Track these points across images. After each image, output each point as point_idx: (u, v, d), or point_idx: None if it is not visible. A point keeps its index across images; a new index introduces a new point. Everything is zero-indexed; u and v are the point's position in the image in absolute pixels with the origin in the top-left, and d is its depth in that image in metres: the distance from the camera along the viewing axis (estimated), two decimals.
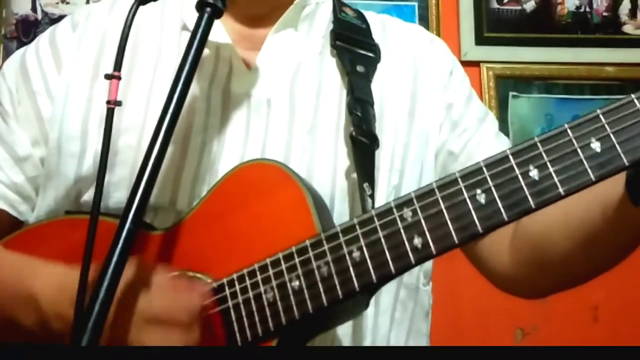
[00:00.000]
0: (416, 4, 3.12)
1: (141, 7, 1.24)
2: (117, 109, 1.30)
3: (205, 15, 1.16)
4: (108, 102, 1.17)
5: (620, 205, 1.14)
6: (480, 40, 3.12)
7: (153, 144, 1.08)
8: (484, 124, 1.50)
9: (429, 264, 1.47)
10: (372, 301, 1.28)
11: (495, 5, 3.17)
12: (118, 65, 1.18)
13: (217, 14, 1.18)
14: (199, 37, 1.15)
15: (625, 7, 3.22)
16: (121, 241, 1.02)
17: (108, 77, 1.18)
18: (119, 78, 1.18)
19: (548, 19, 3.19)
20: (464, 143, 1.46)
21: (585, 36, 3.19)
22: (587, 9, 3.21)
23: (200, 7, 1.17)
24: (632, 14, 3.22)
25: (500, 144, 1.45)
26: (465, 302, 2.85)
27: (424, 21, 3.08)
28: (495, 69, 3.09)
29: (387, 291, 1.38)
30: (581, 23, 3.20)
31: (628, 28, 3.21)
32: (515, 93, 3.11)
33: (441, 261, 1.48)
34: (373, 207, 1.21)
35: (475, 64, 3.06)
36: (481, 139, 1.46)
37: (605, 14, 3.21)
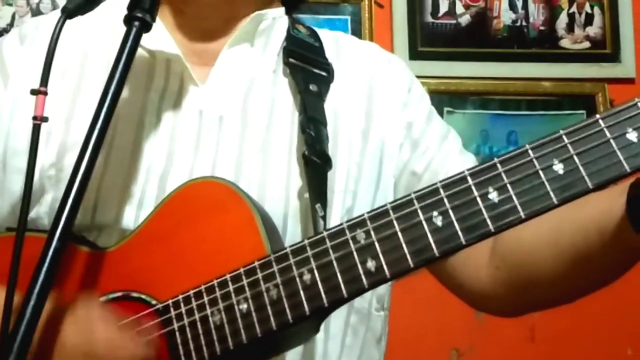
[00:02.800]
0: (349, 17, 3.16)
1: (91, 20, 1.24)
2: (65, 123, 1.31)
3: (134, 30, 1.16)
4: (34, 118, 1.15)
5: (620, 230, 1.13)
6: (414, 54, 3.16)
7: (81, 158, 1.07)
8: (447, 142, 1.51)
9: (382, 288, 1.46)
10: (322, 326, 1.27)
11: (429, 19, 3.21)
12: (44, 80, 1.16)
13: (145, 27, 1.18)
14: (127, 53, 1.15)
15: (562, 21, 3.28)
16: (48, 259, 1.00)
17: (34, 92, 1.16)
18: (45, 93, 1.16)
19: (483, 33, 3.24)
20: (427, 162, 1.47)
21: (522, 51, 3.24)
22: (524, 23, 3.26)
23: (128, 21, 1.17)
24: (569, 28, 3.28)
25: (465, 161, 1.47)
26: (398, 321, 2.88)
27: (357, 35, 3.04)
28: (430, 84, 3.09)
29: (338, 316, 1.37)
30: (517, 37, 3.25)
31: (565, 42, 3.27)
32: (450, 109, 3.15)
33: None
34: (325, 228, 1.19)
35: None
36: (444, 157, 1.48)
37: (541, 28, 3.27)
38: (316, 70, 1.46)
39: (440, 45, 3.21)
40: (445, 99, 3.16)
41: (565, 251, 1.25)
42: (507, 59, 3.24)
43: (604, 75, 3.25)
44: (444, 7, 3.24)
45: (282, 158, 1.37)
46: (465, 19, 3.25)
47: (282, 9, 1.53)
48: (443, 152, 1.49)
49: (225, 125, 1.38)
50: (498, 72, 3.22)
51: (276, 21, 1.50)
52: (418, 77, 3.04)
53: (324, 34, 1.57)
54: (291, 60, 1.46)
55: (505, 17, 3.27)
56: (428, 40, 3.21)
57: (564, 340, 3.07)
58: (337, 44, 1.56)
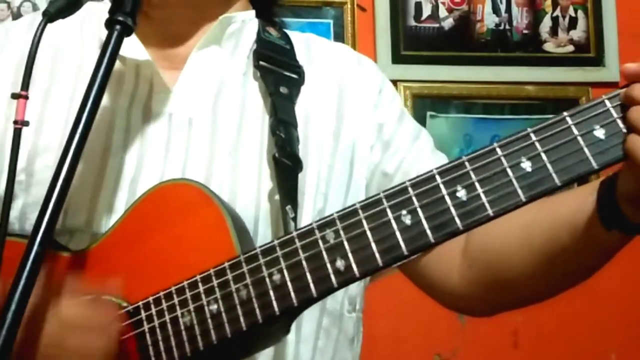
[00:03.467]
0: (331, 21, 3.16)
1: (60, 24, 1.24)
2: (35, 128, 1.32)
3: (115, 33, 1.17)
4: (15, 122, 1.16)
5: (591, 228, 1.15)
6: (397, 58, 3.17)
7: (62, 164, 1.08)
8: (418, 142, 1.52)
9: (354, 290, 1.47)
10: (294, 328, 1.29)
11: (412, 22, 3.21)
12: (25, 84, 1.17)
13: (127, 31, 1.19)
14: (108, 56, 1.15)
15: (546, 24, 3.29)
16: (29, 264, 1.01)
17: (15, 96, 1.17)
18: (25, 97, 1.17)
19: (467, 37, 3.25)
20: (398, 163, 1.48)
21: (505, 54, 3.26)
22: (507, 27, 3.27)
23: (109, 24, 1.18)
24: (553, 32, 3.29)
25: (436, 161, 1.46)
26: (380, 327, 2.88)
27: (340, 39, 3.10)
28: (413, 88, 3.13)
29: (310, 318, 1.38)
30: (501, 41, 3.26)
31: (549, 46, 3.28)
32: (433, 113, 3.15)
33: None
34: (296, 229, 1.20)
35: (392, 83, 2.98)
36: (416, 157, 1.48)
37: (525, 31, 3.28)
38: (287, 73, 1.47)
39: (423, 49, 3.22)
40: (428, 103, 3.17)
41: (536, 250, 1.26)
42: (491, 62, 3.25)
43: (588, 79, 3.26)
44: (426, 11, 3.24)
45: (252, 161, 1.38)
46: (448, 23, 3.26)
47: (252, 12, 1.55)
48: (414, 152, 1.50)
49: (195, 128, 1.40)
50: (481, 76, 3.23)
51: (246, 24, 1.51)
52: (401, 81, 3.11)
53: (295, 36, 1.58)
54: (261, 63, 1.47)
55: (488, 20, 3.28)
56: (411, 44, 3.21)
57: (547, 345, 3.09)
58: (308, 46, 1.57)
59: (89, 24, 1.49)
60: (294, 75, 1.48)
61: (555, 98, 3.25)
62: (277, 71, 1.47)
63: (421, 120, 3.12)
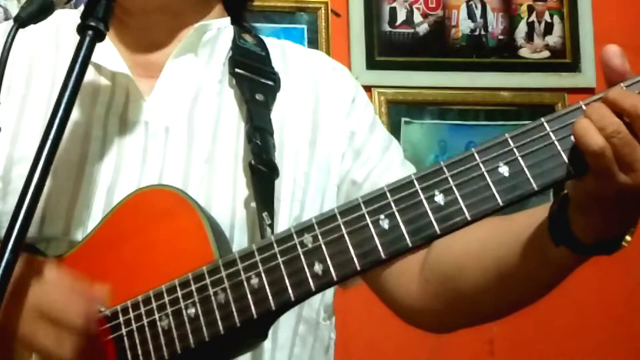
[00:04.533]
0: (305, 27, 3.18)
1: (36, 33, 1.26)
2: (11, 137, 1.33)
3: (87, 39, 1.19)
4: None
5: (541, 244, 1.17)
6: (372, 64, 3.18)
7: (33, 171, 1.10)
8: (388, 153, 1.53)
9: (329, 297, 1.50)
10: (270, 335, 1.29)
11: (387, 28, 3.23)
12: None
13: (99, 37, 1.21)
14: (80, 62, 1.17)
15: (521, 30, 3.32)
16: (0, 270, 1.03)
17: None
18: None
19: (442, 43, 3.27)
20: (368, 172, 1.49)
21: (481, 60, 3.28)
22: (482, 32, 3.29)
23: (81, 30, 1.20)
24: (529, 38, 3.32)
25: (405, 173, 1.42)
26: (356, 334, 2.88)
27: (314, 44, 3.13)
28: (387, 94, 3.15)
29: (286, 326, 1.40)
30: (476, 46, 3.29)
31: (524, 52, 3.31)
32: (407, 119, 3.17)
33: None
34: (274, 235, 1.21)
35: (367, 88, 2.95)
36: (385, 168, 1.50)
37: (501, 37, 3.31)
38: (262, 80, 1.49)
39: (398, 54, 3.24)
40: (403, 108, 3.19)
41: (490, 264, 1.29)
42: (466, 68, 3.28)
43: (564, 85, 3.29)
44: (401, 16, 3.26)
45: (228, 168, 1.40)
46: (423, 28, 3.28)
47: (227, 19, 1.56)
48: (384, 163, 1.52)
49: (172, 136, 1.41)
50: (456, 82, 3.25)
51: (221, 31, 1.53)
52: (375, 86, 3.12)
53: (271, 43, 1.59)
54: (237, 70, 1.48)
55: (463, 26, 3.30)
56: (385, 50, 3.23)
57: (524, 353, 3.12)
58: (283, 52, 1.58)
59: (65, 32, 1.50)
60: (269, 82, 1.49)
61: (530, 104, 3.27)
62: (253, 78, 1.48)
63: (396, 126, 3.15)
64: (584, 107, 1.05)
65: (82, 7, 1.45)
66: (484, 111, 3.26)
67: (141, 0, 1.45)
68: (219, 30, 1.53)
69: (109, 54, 1.41)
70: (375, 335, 2.84)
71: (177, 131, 1.42)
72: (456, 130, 3.21)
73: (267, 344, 1.36)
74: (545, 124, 1.06)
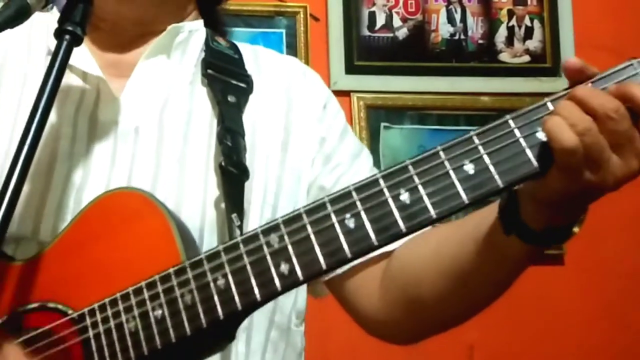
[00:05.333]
0: (284, 31, 3.18)
1: (8, 34, 1.24)
2: None
3: (64, 43, 1.20)
4: None
5: (492, 236, 1.19)
6: (351, 69, 3.20)
7: (11, 172, 1.11)
8: (358, 160, 1.55)
9: (301, 303, 1.51)
10: (244, 341, 1.34)
11: (366, 32, 3.24)
12: None
13: (76, 41, 1.22)
14: (58, 66, 1.18)
15: (501, 34, 3.34)
16: None
17: None
18: None
19: (421, 47, 3.28)
20: (336, 178, 1.50)
21: (460, 65, 3.29)
22: (462, 37, 3.31)
23: (58, 34, 1.21)
24: (509, 42, 3.33)
25: None
26: (335, 341, 2.92)
27: (292, 49, 3.14)
28: (366, 99, 3.16)
29: (259, 331, 1.41)
30: (456, 51, 3.30)
31: (504, 56, 3.33)
32: (387, 124, 3.18)
33: (310, 301, 1.51)
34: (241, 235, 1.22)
35: (346, 93, 3.13)
36: (354, 175, 1.49)
37: (480, 41, 3.32)
38: (235, 82, 1.49)
39: (377, 59, 3.25)
40: (382, 114, 3.20)
41: (446, 266, 1.30)
42: (445, 73, 3.29)
43: (544, 89, 3.23)
44: (380, 21, 3.27)
45: (199, 169, 1.40)
46: (402, 33, 3.29)
47: (200, 22, 1.57)
48: (353, 170, 1.52)
49: (142, 137, 1.41)
50: (436, 87, 3.26)
51: (193, 33, 1.53)
52: (354, 91, 3.13)
53: (244, 47, 1.60)
54: (209, 71, 1.49)
55: (443, 30, 3.31)
56: (364, 54, 3.24)
57: (504, 359, 3.13)
58: (256, 56, 1.59)
59: (37, 34, 1.50)
60: (242, 84, 1.50)
61: (511, 109, 3.11)
62: (226, 80, 1.49)
63: (375, 131, 3.17)
64: (549, 104, 1.07)
65: (55, 10, 1.47)
66: (464, 116, 3.26)
67: (114, 13, 1.46)
68: (191, 32, 1.53)
69: (80, 53, 1.41)
70: (355, 343, 2.84)
71: (147, 132, 1.42)
72: (436, 135, 3.21)
73: (240, 348, 1.37)
74: (510, 121, 1.08)
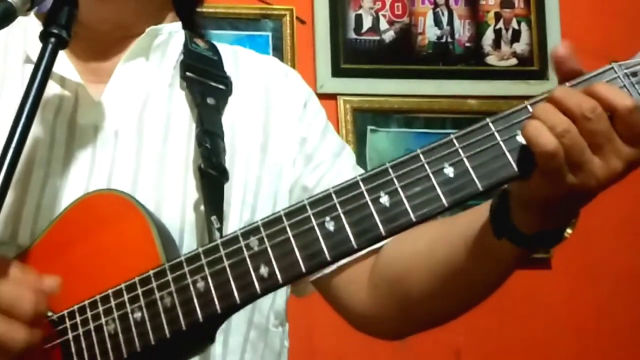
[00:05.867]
0: (270, 34, 3.18)
1: None
2: None
3: (49, 46, 1.20)
4: None
5: (483, 238, 1.20)
6: (337, 72, 3.20)
7: None
8: (340, 159, 1.55)
9: (280, 304, 1.51)
10: (221, 341, 1.34)
11: (352, 35, 3.24)
12: None
13: (61, 44, 1.22)
14: (43, 69, 1.18)
15: (488, 37, 3.33)
16: None
17: None
18: None
19: (408, 50, 3.28)
20: (319, 178, 1.51)
21: (447, 68, 3.29)
22: (449, 40, 3.30)
23: (44, 37, 1.21)
24: (496, 45, 3.33)
25: None
26: (321, 343, 2.92)
27: (279, 52, 3.14)
28: (353, 102, 3.16)
29: (237, 331, 1.41)
30: (443, 54, 3.29)
31: (492, 59, 3.32)
32: (373, 127, 3.18)
33: (296, 301, 1.52)
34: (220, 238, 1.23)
35: (332, 96, 3.13)
36: (337, 174, 1.50)
37: (467, 44, 3.32)
38: (214, 84, 1.50)
39: (364, 62, 3.25)
40: (369, 117, 3.20)
41: (437, 264, 1.31)
42: (432, 76, 3.28)
43: (532, 92, 3.19)
44: (367, 23, 3.27)
45: (178, 172, 1.41)
46: (389, 35, 3.29)
47: (178, 24, 1.58)
48: (336, 169, 1.53)
49: (121, 140, 1.42)
50: (423, 90, 3.26)
51: (172, 36, 1.54)
52: (341, 94, 3.12)
53: (223, 48, 1.61)
54: (188, 74, 1.49)
55: (430, 33, 3.31)
56: (351, 57, 3.24)
57: None
58: (235, 57, 1.59)
59: (13, 38, 1.50)
60: (221, 86, 1.51)
61: (498, 112, 3.24)
62: (204, 82, 1.49)
63: (362, 134, 3.17)
64: (529, 107, 1.07)
65: (33, 14, 1.47)
66: (451, 119, 3.26)
67: (94, 14, 1.46)
68: (170, 34, 1.54)
69: (58, 59, 1.40)
70: (340, 342, 2.84)
71: (127, 135, 1.42)
72: (422, 139, 3.18)
73: (218, 349, 1.37)
74: (491, 124, 1.09)
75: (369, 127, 3.19)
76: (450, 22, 3.33)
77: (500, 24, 3.36)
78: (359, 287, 1.44)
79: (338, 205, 1.11)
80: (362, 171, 1.50)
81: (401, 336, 1.47)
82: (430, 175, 1.08)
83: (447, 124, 3.25)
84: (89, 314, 1.22)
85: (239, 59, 1.60)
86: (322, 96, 1.69)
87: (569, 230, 1.15)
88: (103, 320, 1.21)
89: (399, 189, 1.09)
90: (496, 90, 3.31)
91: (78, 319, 1.23)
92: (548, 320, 3.16)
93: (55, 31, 1.22)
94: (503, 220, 1.15)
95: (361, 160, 3.04)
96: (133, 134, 1.43)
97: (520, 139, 1.06)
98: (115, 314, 1.20)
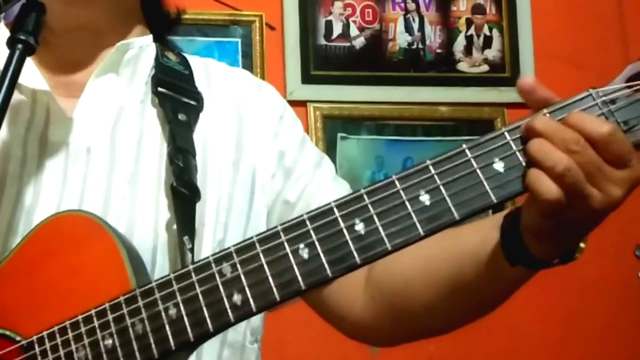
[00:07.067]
0: (239, 40, 3.16)
1: None
2: None
3: (17, 52, 1.19)
4: None
5: (495, 263, 1.18)
6: (307, 78, 3.19)
7: None
8: (320, 170, 1.54)
9: (257, 320, 1.49)
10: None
11: (322, 41, 3.24)
12: None
13: (29, 50, 1.21)
14: (10, 75, 1.18)
15: (460, 43, 3.34)
16: None
17: None
18: None
19: (379, 57, 3.28)
20: (300, 191, 1.50)
21: (418, 74, 3.29)
22: (420, 46, 3.30)
23: (11, 43, 1.20)
24: (468, 51, 3.34)
25: (338, 189, 1.50)
26: (291, 355, 2.87)
27: (248, 58, 3.13)
28: (323, 109, 3.16)
29: (210, 350, 1.40)
30: (414, 60, 3.30)
31: (463, 66, 3.33)
32: (344, 134, 3.18)
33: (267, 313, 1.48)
34: (193, 261, 1.21)
35: (302, 103, 3.12)
36: (318, 186, 1.50)
37: (439, 50, 3.32)
38: (185, 99, 1.48)
39: (334, 68, 3.25)
40: (339, 124, 3.20)
41: (439, 280, 1.30)
42: (403, 82, 3.29)
43: (503, 99, 3.30)
44: (337, 30, 3.27)
45: (150, 190, 1.39)
46: (359, 42, 3.28)
47: (149, 37, 1.56)
48: (316, 180, 1.52)
49: (93, 157, 1.41)
50: (393, 97, 3.26)
51: (143, 50, 1.52)
52: (311, 101, 3.12)
53: (194, 61, 1.59)
54: (160, 89, 1.47)
55: (401, 39, 3.31)
56: (321, 64, 3.24)
57: None
58: (207, 71, 1.58)
59: None
60: (192, 102, 1.49)
61: (469, 119, 3.29)
62: (176, 97, 1.48)
63: (332, 141, 3.17)
64: (506, 134, 1.06)
65: (1, 23, 1.46)
66: (422, 126, 3.26)
67: (62, 17, 1.44)
68: (140, 48, 1.52)
69: (29, 72, 1.40)
70: (313, 354, 2.84)
71: (99, 152, 1.41)
72: (393, 146, 3.22)
73: None
74: (467, 151, 1.07)
75: (339, 134, 3.19)
76: (421, 28, 3.33)
77: (472, 30, 3.37)
78: (353, 297, 1.43)
79: (312, 232, 1.10)
80: (344, 182, 1.54)
81: (397, 344, 1.46)
82: (406, 202, 1.06)
83: (418, 131, 3.25)
84: (58, 340, 1.20)
85: (210, 73, 1.59)
86: (292, 103, 1.69)
87: (582, 245, 1.15)
88: (73, 346, 1.19)
89: (374, 216, 1.07)
90: (467, 97, 3.32)
91: (47, 345, 1.21)
92: (518, 328, 3.17)
93: (23, 37, 1.21)
94: (517, 248, 1.14)
95: None
96: (105, 151, 1.42)
97: (497, 166, 1.05)
98: (86, 341, 1.19)
